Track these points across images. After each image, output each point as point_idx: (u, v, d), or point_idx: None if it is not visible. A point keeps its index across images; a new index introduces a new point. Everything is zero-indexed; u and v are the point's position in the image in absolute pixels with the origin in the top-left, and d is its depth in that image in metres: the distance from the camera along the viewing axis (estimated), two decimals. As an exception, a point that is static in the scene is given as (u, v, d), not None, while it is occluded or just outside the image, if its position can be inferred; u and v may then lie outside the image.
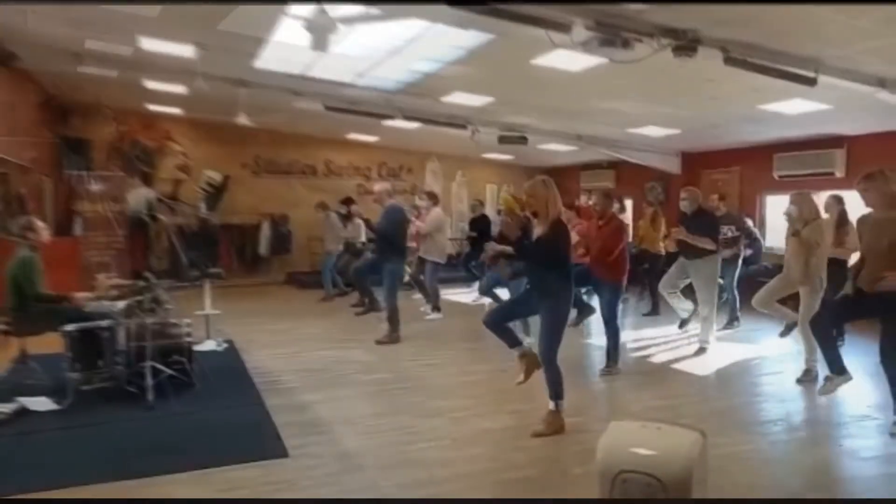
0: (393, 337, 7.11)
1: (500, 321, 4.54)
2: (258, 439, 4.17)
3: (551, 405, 4.33)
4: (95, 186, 10.49)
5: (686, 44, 5.22)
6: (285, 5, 5.63)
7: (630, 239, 9.84)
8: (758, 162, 10.14)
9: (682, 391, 5.44)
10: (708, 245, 6.44)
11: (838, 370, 4.60)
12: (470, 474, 3.68)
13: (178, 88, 9.60)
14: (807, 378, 5.49)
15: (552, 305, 4.24)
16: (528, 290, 4.58)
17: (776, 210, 9.20)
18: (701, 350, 6.68)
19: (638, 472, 1.99)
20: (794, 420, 4.68)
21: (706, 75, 6.35)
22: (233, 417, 4.61)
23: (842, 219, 6.60)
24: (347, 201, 10.17)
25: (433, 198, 9.36)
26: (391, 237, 7.19)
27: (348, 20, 5.38)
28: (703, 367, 6.20)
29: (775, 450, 4.19)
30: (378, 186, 7.67)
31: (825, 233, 5.58)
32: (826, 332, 4.62)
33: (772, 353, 6.58)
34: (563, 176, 15.05)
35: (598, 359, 6.36)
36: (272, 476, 3.62)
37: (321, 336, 7.55)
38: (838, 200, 6.71)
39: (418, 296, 9.96)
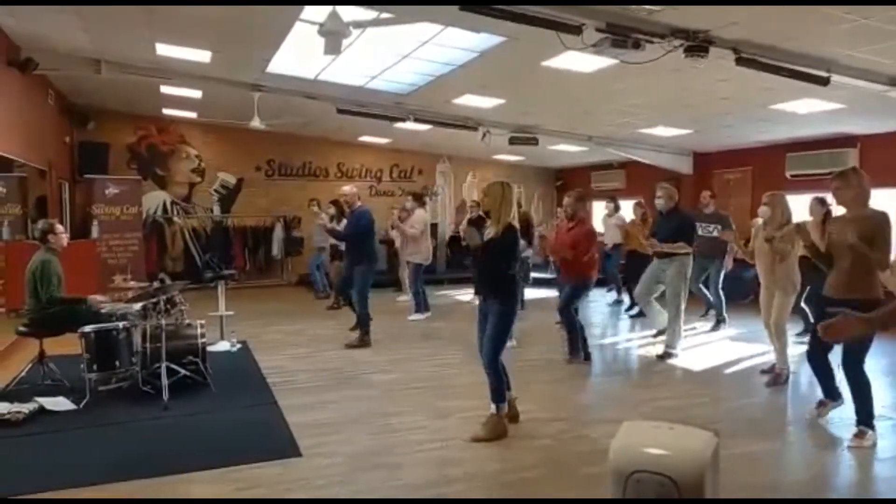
0: (364, 340, 7.00)
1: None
2: (272, 439, 4.21)
3: (492, 408, 4.27)
4: (112, 190, 10.61)
5: (698, 44, 5.22)
6: (300, 6, 5.68)
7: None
8: (770, 161, 10.09)
9: (694, 391, 5.42)
10: (681, 250, 6.37)
11: (833, 396, 4.52)
12: (480, 474, 3.70)
13: (194, 93, 9.70)
14: (776, 382, 5.47)
15: (498, 310, 4.22)
16: (480, 308, 4.48)
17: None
18: (666, 355, 6.45)
19: (651, 472, 2.00)
20: (808, 420, 4.64)
21: (718, 75, 6.34)
22: (247, 417, 4.66)
23: (826, 220, 6.45)
24: (336, 203, 10.19)
25: (418, 199, 9.37)
26: (360, 241, 7.09)
27: (361, 24, 5.42)
28: (714, 367, 6.18)
29: (789, 450, 4.18)
30: (347, 188, 7.47)
31: (796, 237, 5.49)
32: (821, 363, 4.45)
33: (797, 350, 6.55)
34: (573, 177, 15.07)
35: (606, 361, 6.37)
36: (286, 475, 3.65)
37: (333, 336, 7.59)
38: (822, 202, 6.59)
39: (402, 297, 9.97)
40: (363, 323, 7.09)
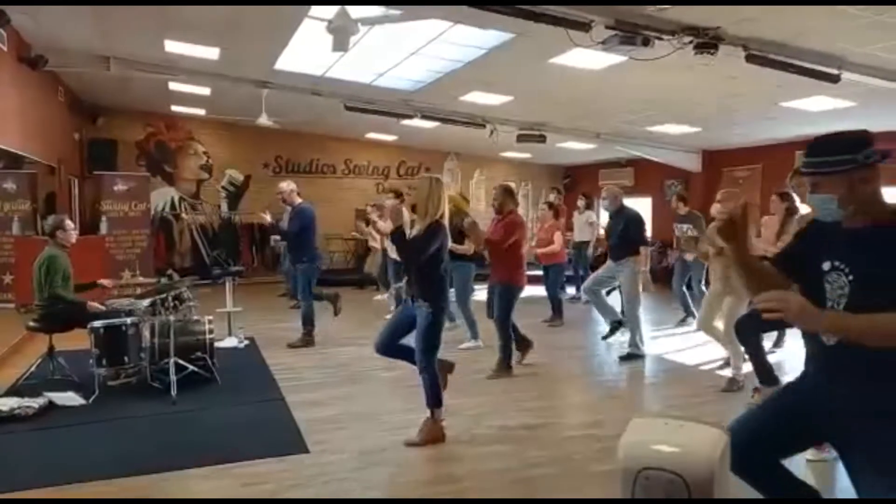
0: (306, 340, 6.90)
1: (389, 343, 4.21)
2: (279, 435, 4.21)
3: (428, 413, 4.09)
4: (120, 186, 10.66)
5: (707, 41, 5.19)
6: (307, 6, 5.69)
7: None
8: (780, 159, 10.03)
9: (703, 390, 5.39)
10: (639, 250, 6.27)
11: (768, 380, 4.40)
12: (488, 472, 3.69)
13: (202, 90, 9.73)
14: (731, 388, 5.23)
15: (427, 315, 3.98)
16: (404, 302, 4.28)
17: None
18: (631, 357, 6.31)
19: (660, 469, 1.98)
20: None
21: (727, 73, 6.30)
22: (254, 413, 4.67)
23: (788, 217, 5.85)
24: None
25: (398, 196, 9.33)
26: (303, 238, 6.93)
27: (369, 21, 5.42)
28: (721, 364, 6.15)
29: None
30: (284, 185, 7.19)
31: (752, 239, 5.19)
32: (752, 339, 4.42)
33: (795, 353, 6.50)
34: (581, 174, 15.02)
35: (611, 360, 6.35)
36: (293, 471, 3.65)
37: (340, 333, 7.59)
38: (783, 197, 6.34)
39: (379, 297, 9.88)
40: (307, 322, 6.96)
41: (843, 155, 1.86)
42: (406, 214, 8.92)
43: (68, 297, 5.27)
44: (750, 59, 5.49)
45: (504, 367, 5.72)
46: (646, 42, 5.13)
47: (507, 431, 4.35)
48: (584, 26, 5.01)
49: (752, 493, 3.36)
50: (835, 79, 5.84)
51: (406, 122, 10.16)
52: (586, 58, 6.19)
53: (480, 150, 13.59)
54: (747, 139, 10.34)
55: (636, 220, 6.50)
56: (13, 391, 4.92)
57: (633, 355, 6.32)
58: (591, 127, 10.68)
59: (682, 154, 11.50)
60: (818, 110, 7.69)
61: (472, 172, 14.38)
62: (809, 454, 3.86)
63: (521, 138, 10.49)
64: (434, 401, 4.08)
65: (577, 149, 12.24)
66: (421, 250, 3.96)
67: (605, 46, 5.23)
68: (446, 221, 4.07)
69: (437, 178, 4.20)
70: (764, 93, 7.15)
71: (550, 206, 8.86)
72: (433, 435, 4.06)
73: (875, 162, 1.86)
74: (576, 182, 15.14)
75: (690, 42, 5.22)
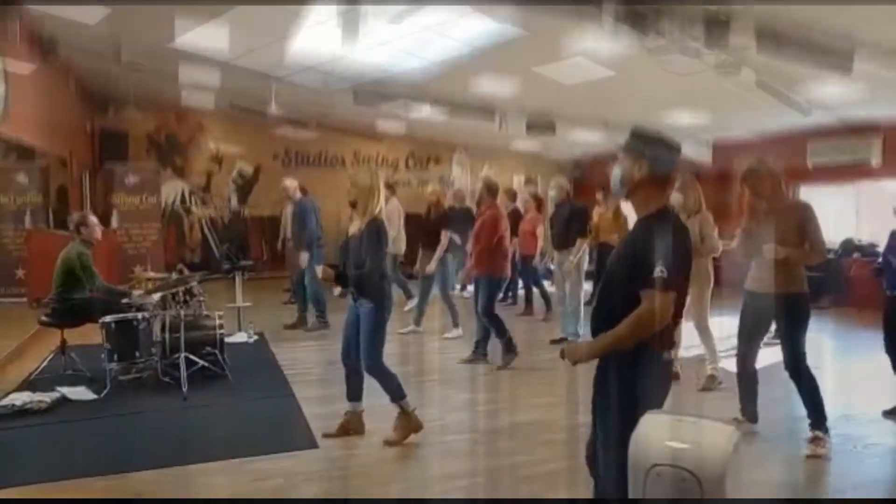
0: (321, 322, 7.40)
1: (345, 359, 4.08)
2: (289, 430, 4.23)
3: (396, 408, 3.97)
4: (132, 179, 10.67)
5: (718, 31, 5.12)
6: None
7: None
8: (791, 150, 9.89)
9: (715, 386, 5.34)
10: (579, 243, 6.46)
11: (751, 418, 4.23)
12: (497, 468, 3.69)
13: (212, 81, 9.71)
14: (710, 385, 5.12)
15: (368, 309, 3.86)
16: (351, 309, 4.07)
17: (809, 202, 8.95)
18: (563, 341, 6.43)
19: (672, 465, 1.96)
20: (831, 417, 4.55)
21: (738, 61, 6.21)
22: (264, 408, 4.69)
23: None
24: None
25: (389, 188, 9.27)
26: (309, 229, 7.36)
27: (377, 11, 5.38)
28: (734, 363, 6.08)
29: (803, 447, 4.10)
30: (287, 182, 7.75)
31: (712, 226, 5.09)
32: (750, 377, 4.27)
33: (808, 350, 6.42)
34: (591, 166, 14.91)
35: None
36: (302, 466, 3.66)
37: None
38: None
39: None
40: (320, 305, 7.45)
41: None
42: (391, 206, 8.85)
43: (115, 290, 5.43)
44: (761, 47, 5.41)
45: (512, 350, 5.82)
46: (657, 31, 5.07)
47: (516, 427, 4.34)
48: (595, 17, 4.96)
49: (771, 493, 3.34)
50: (848, 68, 5.75)
51: (415, 113, 10.12)
52: (597, 48, 6.14)
53: (490, 143, 13.51)
54: (758, 130, 10.23)
55: (581, 212, 6.82)
56: (26, 385, 4.97)
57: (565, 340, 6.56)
58: (600, 118, 10.59)
59: (693, 145, 11.39)
60: (831, 100, 7.59)
61: (480, 166, 14.31)
62: (807, 449, 3.81)
63: (530, 129, 10.42)
64: (396, 394, 3.96)
65: (586, 140, 12.15)
66: (364, 250, 3.80)
67: (616, 36, 5.18)
68: (384, 217, 3.99)
69: (376, 169, 4.12)
70: (775, 82, 7.05)
71: (535, 197, 8.94)
72: (410, 427, 3.97)
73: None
74: (585, 174, 15.03)
75: (701, 31, 5.15)
